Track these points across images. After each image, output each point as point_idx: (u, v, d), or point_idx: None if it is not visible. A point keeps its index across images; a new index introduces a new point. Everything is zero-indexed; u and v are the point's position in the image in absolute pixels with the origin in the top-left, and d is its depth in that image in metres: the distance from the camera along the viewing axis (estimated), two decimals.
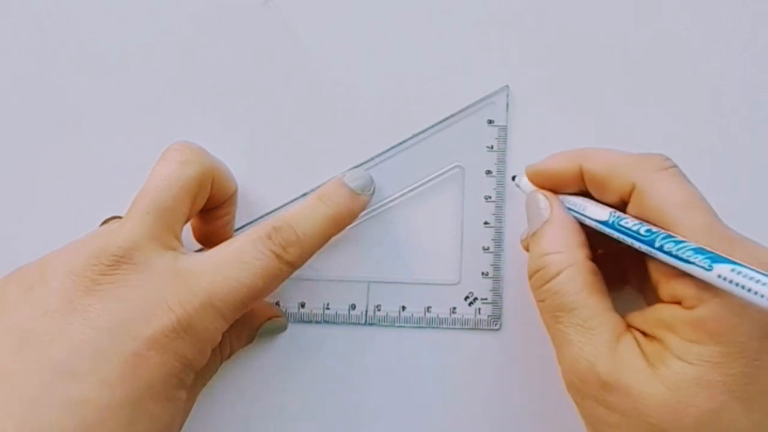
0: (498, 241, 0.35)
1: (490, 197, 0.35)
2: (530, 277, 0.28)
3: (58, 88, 0.35)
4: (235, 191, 0.33)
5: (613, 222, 0.27)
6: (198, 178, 0.29)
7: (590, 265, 0.27)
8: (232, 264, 0.27)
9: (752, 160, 0.35)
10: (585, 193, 0.29)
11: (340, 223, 0.31)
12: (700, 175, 0.28)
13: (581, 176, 0.29)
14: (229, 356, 0.32)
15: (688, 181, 0.27)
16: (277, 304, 0.35)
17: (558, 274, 0.27)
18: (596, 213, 0.28)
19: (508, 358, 0.34)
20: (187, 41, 0.35)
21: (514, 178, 0.33)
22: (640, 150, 0.28)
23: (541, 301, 0.28)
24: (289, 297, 0.35)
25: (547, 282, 0.27)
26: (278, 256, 0.28)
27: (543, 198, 0.29)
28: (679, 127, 0.35)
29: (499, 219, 0.35)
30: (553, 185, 0.30)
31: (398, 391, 0.34)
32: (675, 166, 0.27)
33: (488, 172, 0.35)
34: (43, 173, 0.35)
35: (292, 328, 0.35)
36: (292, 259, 0.29)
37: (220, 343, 0.29)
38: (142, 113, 0.35)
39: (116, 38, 0.36)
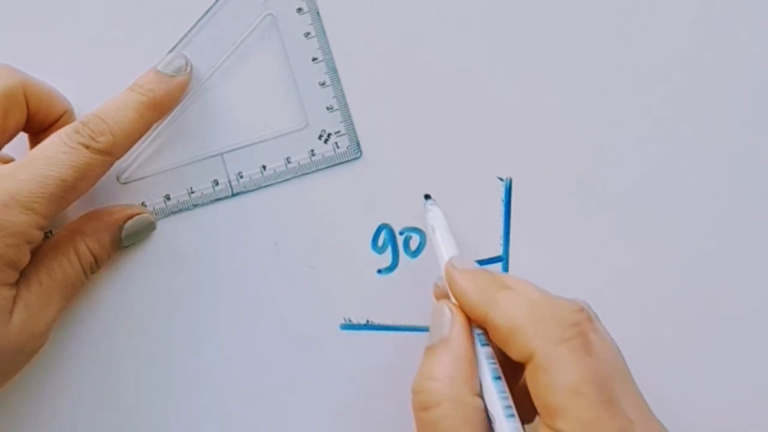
0: (332, 73, 0.35)
1: (309, 33, 0.34)
2: (412, 392, 0.27)
3: None
4: (68, 111, 0.34)
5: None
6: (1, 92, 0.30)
7: (475, 401, 0.26)
8: (38, 161, 0.29)
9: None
10: None
11: (159, 108, 0.32)
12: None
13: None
14: (98, 267, 0.33)
15: (590, 354, 0.25)
16: (144, 205, 0.34)
17: (438, 405, 0.26)
18: None
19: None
20: None
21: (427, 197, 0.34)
22: None
23: (419, 426, 0.27)
24: (153, 194, 0.34)
25: (426, 410, 0.26)
26: (87, 147, 0.29)
27: (448, 313, 0.28)
28: None
29: (326, 52, 0.35)
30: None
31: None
32: (579, 335, 0.26)
33: (299, 10, 0.34)
34: None
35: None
36: (104, 147, 0.30)
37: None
38: None
39: None
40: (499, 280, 0.28)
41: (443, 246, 0.31)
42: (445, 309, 0.28)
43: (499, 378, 0.27)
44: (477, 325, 0.28)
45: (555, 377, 0.25)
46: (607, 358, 0.26)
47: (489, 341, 0.28)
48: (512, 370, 0.27)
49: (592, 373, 0.25)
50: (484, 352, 0.27)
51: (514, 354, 0.26)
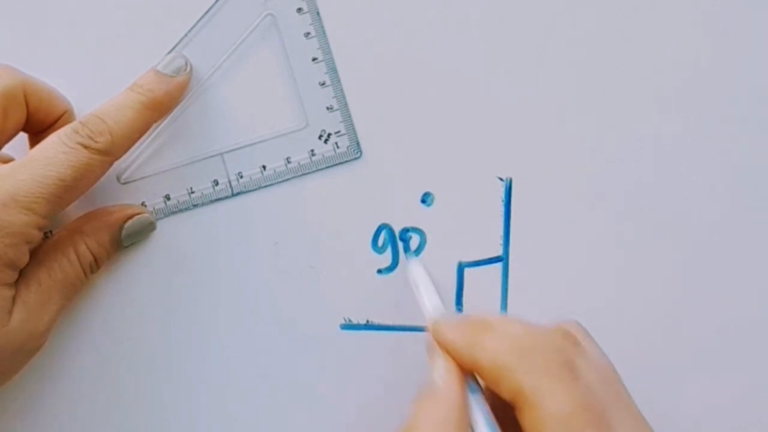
0: (332, 73, 0.35)
1: (309, 33, 0.34)
2: None
3: None
4: (68, 111, 0.34)
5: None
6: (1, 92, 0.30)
7: None
8: (38, 161, 0.29)
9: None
10: None
11: (158, 108, 0.32)
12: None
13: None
14: (98, 267, 0.33)
15: (578, 381, 0.25)
16: (144, 205, 0.34)
17: None
18: None
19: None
20: None
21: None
22: None
23: None
24: (153, 194, 0.34)
25: None
26: (86, 147, 0.30)
27: (442, 364, 0.28)
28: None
29: (326, 52, 0.35)
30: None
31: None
32: (565, 363, 0.25)
33: (299, 10, 0.34)
34: None
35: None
36: (103, 147, 0.30)
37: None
38: None
39: None
40: (481, 324, 0.28)
41: (428, 302, 0.31)
42: (439, 360, 0.28)
43: (494, 428, 0.26)
44: (470, 376, 0.28)
45: (545, 410, 0.24)
46: (597, 381, 0.26)
47: (482, 392, 0.27)
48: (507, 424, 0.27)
49: (582, 401, 0.25)
50: (476, 401, 0.27)
51: (505, 394, 0.26)
